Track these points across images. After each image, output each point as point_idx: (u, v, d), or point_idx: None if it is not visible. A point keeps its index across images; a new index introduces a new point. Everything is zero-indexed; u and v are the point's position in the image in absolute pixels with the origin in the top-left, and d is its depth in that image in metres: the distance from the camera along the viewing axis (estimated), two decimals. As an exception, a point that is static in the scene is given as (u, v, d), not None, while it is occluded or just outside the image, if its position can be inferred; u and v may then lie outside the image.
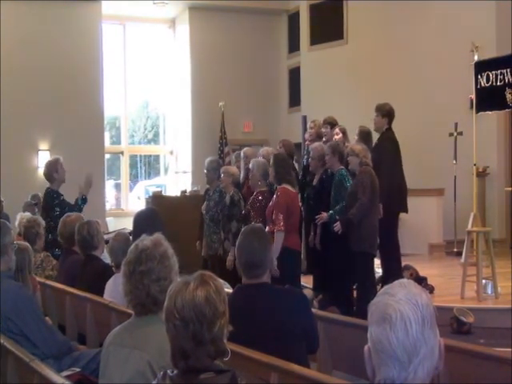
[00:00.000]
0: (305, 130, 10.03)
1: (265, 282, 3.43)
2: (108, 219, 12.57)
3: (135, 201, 14.36)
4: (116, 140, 14.91)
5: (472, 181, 8.19)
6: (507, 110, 7.72)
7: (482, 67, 7.46)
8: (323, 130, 8.11)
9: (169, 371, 2.14)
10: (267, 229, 5.98)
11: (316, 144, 7.50)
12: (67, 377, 3.38)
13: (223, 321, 2.13)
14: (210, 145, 13.51)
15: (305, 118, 10.99)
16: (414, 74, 11.62)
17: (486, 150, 9.81)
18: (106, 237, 5.97)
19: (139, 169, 15.72)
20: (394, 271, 6.88)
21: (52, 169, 7.27)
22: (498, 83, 7.15)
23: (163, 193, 12.92)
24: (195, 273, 2.21)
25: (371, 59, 12.17)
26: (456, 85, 10.51)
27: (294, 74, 14.14)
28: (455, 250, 10.15)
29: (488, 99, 7.40)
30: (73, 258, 5.55)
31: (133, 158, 15.20)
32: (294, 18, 14.22)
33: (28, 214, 7.24)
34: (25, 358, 3.24)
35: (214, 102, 13.49)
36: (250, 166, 6.89)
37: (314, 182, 7.38)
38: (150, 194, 11.86)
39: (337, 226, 6.44)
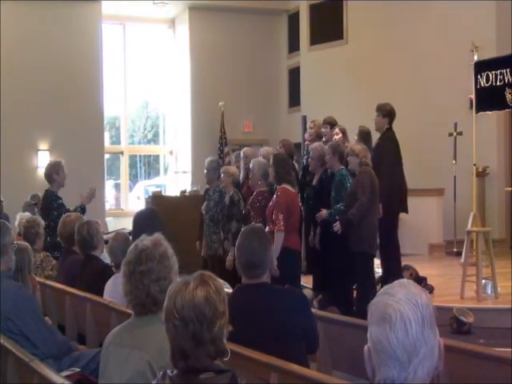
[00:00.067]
0: (304, 130, 10.03)
1: (265, 282, 3.43)
2: (108, 219, 12.57)
3: (135, 201, 14.36)
4: (116, 140, 14.91)
5: (472, 181, 8.18)
6: (507, 109, 7.71)
7: (481, 67, 7.46)
8: (323, 130, 8.11)
9: (168, 371, 2.14)
10: (267, 229, 5.97)
11: (316, 144, 7.50)
12: (67, 377, 3.38)
13: (223, 321, 2.13)
14: (210, 145, 13.51)
15: (305, 118, 10.99)
16: (414, 74, 11.62)
17: (486, 150, 9.81)
18: (105, 237, 5.96)
19: (139, 169, 15.72)
20: (393, 271, 6.88)
21: (53, 170, 7.28)
22: (498, 83, 7.15)
23: (163, 193, 12.91)
24: (195, 273, 2.21)
25: (371, 59, 12.18)
26: (456, 85, 10.51)
27: (294, 74, 14.14)
28: (455, 249, 10.16)
29: (488, 99, 7.39)
30: (72, 257, 5.55)
31: (132, 157, 15.19)
32: (293, 18, 14.22)
33: (28, 214, 7.24)
34: (25, 358, 3.24)
35: (213, 102, 13.48)
36: (251, 165, 6.89)
37: (314, 182, 7.38)
38: (150, 193, 11.86)
39: (336, 226, 6.45)
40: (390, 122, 7.29)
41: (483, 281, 6.86)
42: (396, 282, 1.69)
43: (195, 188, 11.34)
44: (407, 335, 1.58)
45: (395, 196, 7.11)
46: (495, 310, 6.50)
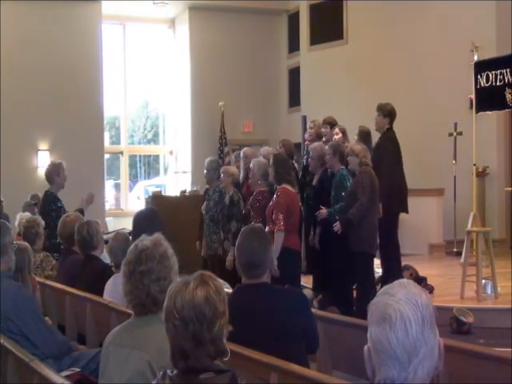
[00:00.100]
0: (304, 130, 10.03)
1: (265, 282, 3.43)
2: (107, 219, 12.57)
3: (135, 201, 14.36)
4: (116, 140, 14.90)
5: (472, 181, 8.18)
6: (507, 109, 7.71)
7: (481, 67, 7.46)
8: (323, 130, 8.12)
9: (168, 371, 2.14)
10: (267, 229, 5.98)
11: (316, 144, 7.50)
12: (67, 377, 3.38)
13: (223, 321, 2.13)
14: (210, 145, 13.51)
15: (304, 118, 11.00)
16: (414, 74, 11.62)
17: (486, 150, 9.81)
18: (105, 237, 5.96)
19: (139, 169, 15.72)
20: (393, 271, 6.88)
21: (54, 171, 7.28)
22: (498, 83, 7.15)
23: (163, 193, 12.92)
24: (195, 273, 2.21)
25: (371, 59, 12.18)
26: (456, 85, 10.51)
27: (294, 74, 14.13)
28: (455, 249, 10.15)
29: (488, 99, 7.39)
30: (72, 257, 5.55)
31: (132, 157, 15.19)
32: (293, 18, 14.22)
33: (28, 214, 7.23)
34: (25, 358, 3.24)
35: (213, 102, 13.48)
36: (251, 165, 6.90)
37: (314, 182, 7.38)
38: (150, 193, 11.86)
39: (336, 226, 6.45)
40: (391, 122, 7.29)
41: (483, 281, 6.86)
42: (396, 282, 1.69)
43: (195, 188, 11.34)
44: (407, 335, 1.58)
45: (395, 196, 7.11)
46: (495, 310, 6.50)
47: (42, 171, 11.43)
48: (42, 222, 6.29)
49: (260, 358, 3.03)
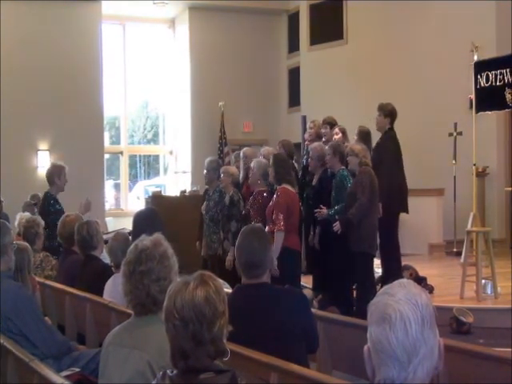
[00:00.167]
0: (304, 130, 10.03)
1: (265, 282, 3.43)
2: (107, 219, 12.56)
3: (135, 201, 14.36)
4: (115, 140, 14.90)
5: (472, 181, 8.18)
6: (507, 110, 7.71)
7: (481, 67, 7.45)
8: (323, 130, 8.12)
9: (168, 371, 2.14)
10: (267, 229, 5.98)
11: (315, 144, 7.50)
12: (67, 377, 3.38)
13: (223, 321, 2.13)
14: (210, 145, 13.51)
15: (304, 118, 11.00)
16: (414, 74, 11.62)
17: (486, 150, 9.81)
18: (105, 237, 5.96)
19: (139, 169, 15.72)
20: (393, 271, 6.88)
21: (55, 173, 7.28)
22: (498, 83, 7.14)
23: (163, 193, 12.91)
24: (195, 273, 2.21)
25: (371, 59, 12.17)
26: (456, 85, 10.51)
27: (294, 74, 14.13)
28: (455, 249, 10.15)
29: (488, 99, 7.39)
30: (72, 257, 5.55)
31: (132, 157, 15.19)
32: (293, 18, 14.22)
33: (27, 214, 7.23)
34: (24, 358, 3.24)
35: (213, 102, 13.48)
36: (252, 165, 6.90)
37: (314, 182, 7.38)
38: (150, 193, 11.86)
39: (336, 226, 6.45)
40: (392, 122, 7.29)
41: (483, 281, 6.86)
42: (396, 282, 1.69)
43: (195, 188, 11.34)
44: (407, 335, 1.58)
45: (395, 196, 7.11)
46: (495, 310, 6.50)
47: (41, 171, 11.48)
48: (42, 222, 6.29)
49: (260, 358, 3.03)
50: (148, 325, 2.65)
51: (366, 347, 1.67)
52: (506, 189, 10.05)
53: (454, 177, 10.46)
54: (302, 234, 7.45)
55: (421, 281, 7.14)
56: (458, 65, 10.32)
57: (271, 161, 6.48)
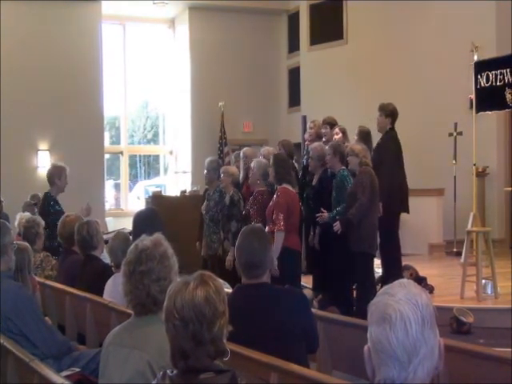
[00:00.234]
0: (304, 130, 10.03)
1: (265, 282, 3.43)
2: (107, 219, 12.56)
3: (135, 201, 14.36)
4: (116, 140, 14.90)
5: (472, 181, 8.18)
6: (507, 109, 7.71)
7: (481, 67, 7.45)
8: (323, 130, 8.11)
9: (168, 371, 2.14)
10: (267, 229, 5.98)
11: (315, 144, 7.50)
12: (67, 377, 3.38)
13: (223, 321, 2.13)
14: (210, 145, 13.51)
15: (304, 118, 11.00)
16: (414, 74, 11.62)
17: (486, 150, 9.81)
18: (105, 237, 5.96)
19: (139, 169, 15.72)
20: (394, 271, 6.88)
21: (56, 173, 7.27)
22: (498, 83, 7.14)
23: (163, 193, 12.92)
24: (195, 273, 2.21)
25: (371, 59, 12.17)
26: (456, 85, 10.51)
27: (294, 74, 14.13)
28: (455, 249, 10.15)
29: (488, 99, 7.39)
30: (72, 257, 5.55)
31: (132, 158, 15.19)
32: (293, 18, 14.22)
33: (27, 214, 7.23)
34: (24, 358, 3.24)
35: (213, 102, 13.48)
36: (252, 164, 6.90)
37: (314, 182, 7.38)
38: (150, 194, 11.86)
39: (336, 226, 6.45)
40: (393, 122, 7.29)
41: (483, 281, 6.86)
42: (396, 282, 1.69)
43: (195, 188, 11.34)
44: (407, 335, 1.58)
45: (396, 196, 7.11)
46: (495, 310, 6.50)
47: (41, 171, 11.50)
48: (42, 222, 6.29)
49: (260, 358, 3.03)
50: (148, 325, 2.65)
51: (366, 347, 1.67)
52: (506, 189, 10.05)
53: (454, 177, 10.46)
54: (302, 233, 7.45)
55: (421, 281, 7.13)
56: (458, 65, 10.33)
57: (271, 161, 6.48)
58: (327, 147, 7.05)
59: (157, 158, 15.38)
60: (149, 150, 15.60)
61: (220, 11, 13.90)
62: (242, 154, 8.06)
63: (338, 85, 12.71)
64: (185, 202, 10.76)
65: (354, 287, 6.79)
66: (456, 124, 10.38)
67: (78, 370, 3.84)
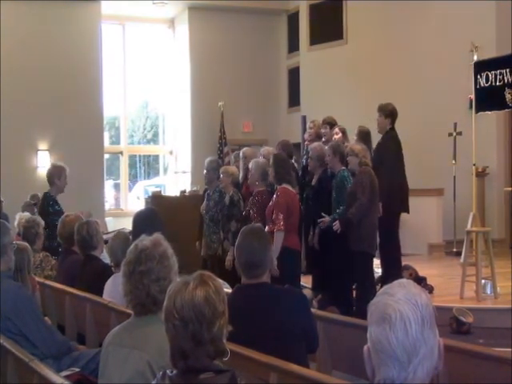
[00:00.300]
0: (304, 130, 10.03)
1: (264, 282, 3.43)
2: (107, 219, 12.56)
3: (134, 201, 14.35)
4: (115, 140, 14.90)
5: (471, 181, 8.17)
6: (507, 110, 7.70)
7: (481, 67, 7.45)
8: (322, 130, 8.12)
9: (168, 371, 2.14)
10: (267, 229, 5.98)
11: (315, 144, 7.50)
12: (66, 377, 3.38)
13: (222, 321, 2.13)
14: (210, 145, 13.50)
15: (304, 118, 11.00)
16: (414, 74, 11.62)
17: (486, 150, 9.80)
18: (105, 237, 5.96)
19: (138, 169, 15.71)
20: (393, 271, 6.87)
21: (55, 173, 7.27)
22: (498, 83, 7.14)
23: (162, 193, 12.91)
24: (194, 273, 2.21)
25: (371, 59, 12.17)
26: (456, 85, 10.51)
27: (294, 74, 14.13)
28: (455, 249, 10.15)
29: (487, 99, 7.38)
30: (72, 257, 5.55)
31: (132, 158, 15.19)
32: (293, 18, 14.21)
33: (27, 214, 7.23)
34: (24, 358, 3.24)
35: (213, 102, 13.48)
36: (250, 166, 6.90)
37: (313, 182, 7.38)
38: (150, 194, 11.85)
39: (336, 226, 6.45)
40: (393, 122, 7.29)
41: (483, 281, 6.86)
42: (396, 282, 1.69)
43: (195, 188, 11.34)
44: (407, 335, 1.58)
45: (396, 196, 7.11)
46: (495, 310, 6.50)
47: (41, 171, 11.49)
48: (42, 222, 6.29)
49: (260, 358, 3.03)
50: (148, 325, 2.65)
51: (365, 347, 1.67)
52: (506, 189, 10.05)
53: (454, 177, 10.46)
54: (302, 233, 7.45)
55: (421, 281, 7.14)
56: (457, 65, 10.33)
57: (271, 161, 6.48)
58: (327, 147, 7.05)
59: (156, 158, 15.38)
60: (148, 150, 15.60)
61: (220, 11, 13.90)
62: (241, 154, 8.06)
63: (337, 85, 12.71)
64: (184, 202, 10.75)
65: (353, 287, 6.79)
66: (456, 124, 10.38)
67: (77, 369, 3.84)
